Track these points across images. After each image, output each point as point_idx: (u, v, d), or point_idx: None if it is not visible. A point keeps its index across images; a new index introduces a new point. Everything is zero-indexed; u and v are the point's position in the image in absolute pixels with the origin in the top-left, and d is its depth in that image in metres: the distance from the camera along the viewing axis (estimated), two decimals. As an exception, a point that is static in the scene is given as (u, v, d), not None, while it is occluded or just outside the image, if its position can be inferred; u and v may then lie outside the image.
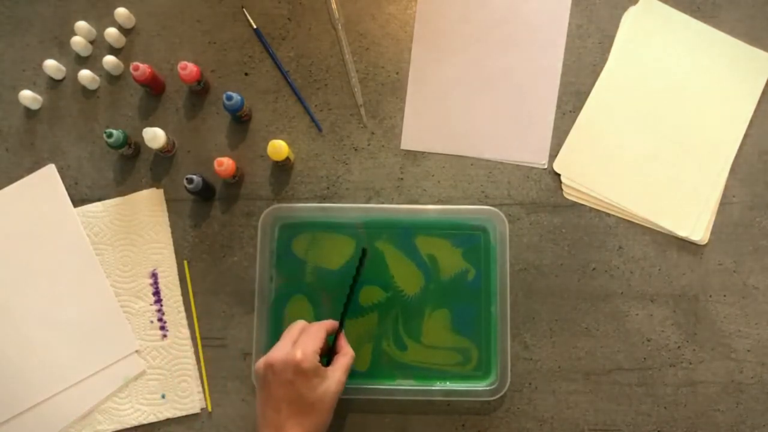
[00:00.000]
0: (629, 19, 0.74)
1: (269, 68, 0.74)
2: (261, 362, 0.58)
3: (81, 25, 0.74)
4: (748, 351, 0.68)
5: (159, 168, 0.73)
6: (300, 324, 0.62)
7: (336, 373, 0.59)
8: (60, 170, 0.73)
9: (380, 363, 0.68)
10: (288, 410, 0.56)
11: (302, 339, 0.58)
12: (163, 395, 0.68)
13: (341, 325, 0.64)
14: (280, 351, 0.57)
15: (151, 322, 0.70)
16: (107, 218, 0.72)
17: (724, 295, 0.69)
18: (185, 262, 0.71)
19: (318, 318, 0.67)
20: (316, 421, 0.56)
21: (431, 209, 0.70)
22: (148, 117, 0.74)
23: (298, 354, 0.56)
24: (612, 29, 0.74)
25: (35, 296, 0.70)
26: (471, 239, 0.70)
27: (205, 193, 0.70)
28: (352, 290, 0.65)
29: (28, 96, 0.72)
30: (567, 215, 0.71)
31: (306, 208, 0.70)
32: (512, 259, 0.70)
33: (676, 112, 0.72)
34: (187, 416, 0.68)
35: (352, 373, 0.67)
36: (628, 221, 0.71)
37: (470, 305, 0.68)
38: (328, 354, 0.62)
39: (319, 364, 0.57)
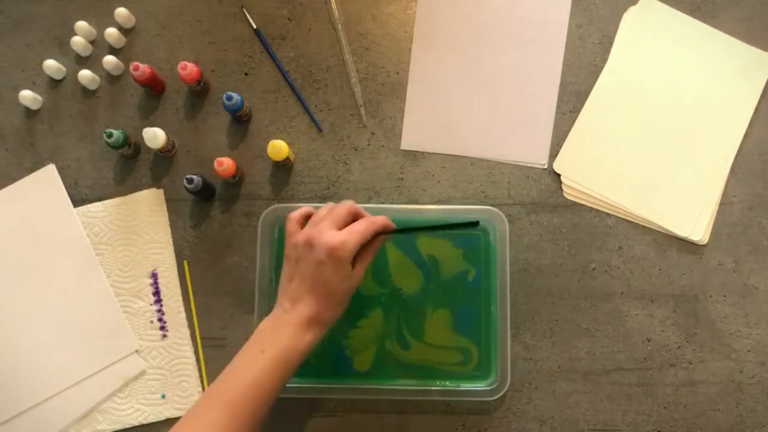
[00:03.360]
0: (629, 19, 0.74)
1: (269, 68, 0.74)
2: (301, 237, 0.58)
3: (81, 25, 0.74)
4: (748, 351, 0.68)
5: (159, 168, 0.73)
6: (348, 207, 0.60)
7: (359, 268, 0.58)
8: (60, 170, 0.73)
9: (383, 363, 0.68)
10: (310, 286, 0.56)
11: (348, 230, 0.57)
12: (163, 395, 0.68)
13: (392, 232, 0.61)
14: (322, 233, 0.56)
15: (151, 322, 0.70)
16: (107, 218, 0.72)
17: (724, 295, 0.69)
18: (185, 262, 0.71)
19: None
20: (329, 306, 0.57)
21: (431, 209, 0.70)
22: (148, 117, 0.74)
23: (338, 241, 0.56)
24: (612, 29, 0.74)
25: (35, 296, 0.70)
26: (471, 239, 0.70)
27: (205, 193, 0.70)
28: (431, 228, 0.64)
29: (28, 96, 0.72)
30: (567, 215, 0.71)
31: (306, 208, 0.70)
32: (512, 259, 0.70)
33: (676, 113, 0.72)
34: (187, 416, 0.68)
35: (353, 374, 0.67)
36: (628, 221, 0.71)
37: (470, 305, 0.68)
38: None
39: (352, 257, 0.57)
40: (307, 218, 0.62)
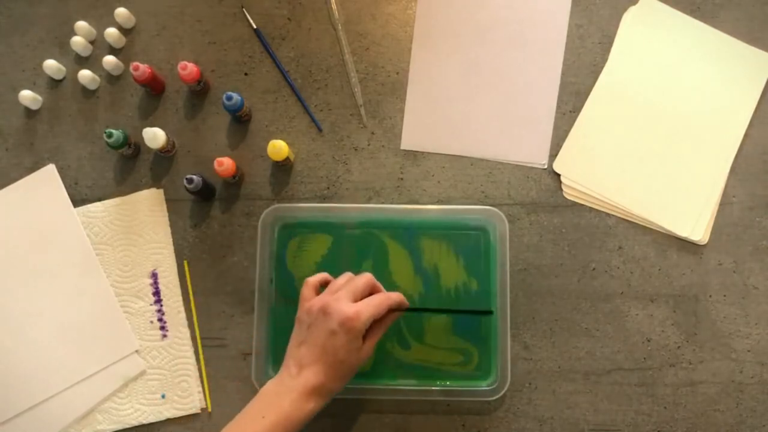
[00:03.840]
0: (629, 19, 0.74)
1: (269, 68, 0.74)
2: (317, 303, 0.58)
3: (81, 25, 0.74)
4: (748, 351, 0.68)
5: (159, 168, 0.73)
6: (367, 280, 0.60)
7: (368, 343, 0.59)
8: (60, 170, 0.73)
9: (383, 363, 0.68)
10: (319, 354, 0.57)
11: (365, 303, 0.58)
12: (163, 395, 0.68)
13: (405, 310, 0.62)
14: (338, 302, 0.57)
15: (151, 322, 0.70)
16: (107, 218, 0.72)
17: (724, 295, 0.69)
18: (185, 262, 0.71)
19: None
20: (335, 377, 0.57)
21: (431, 209, 0.70)
22: (148, 117, 0.74)
23: (352, 312, 0.56)
24: (612, 29, 0.74)
25: (35, 296, 0.70)
26: (472, 246, 0.69)
27: (205, 193, 0.70)
28: (445, 311, 0.67)
29: (28, 96, 0.72)
30: (567, 215, 0.71)
31: (306, 208, 0.70)
32: (512, 259, 0.70)
33: (676, 112, 0.72)
34: (187, 416, 0.68)
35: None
36: (628, 221, 0.71)
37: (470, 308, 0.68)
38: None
39: (364, 330, 0.57)
40: (323, 284, 0.63)
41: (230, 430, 0.56)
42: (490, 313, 0.67)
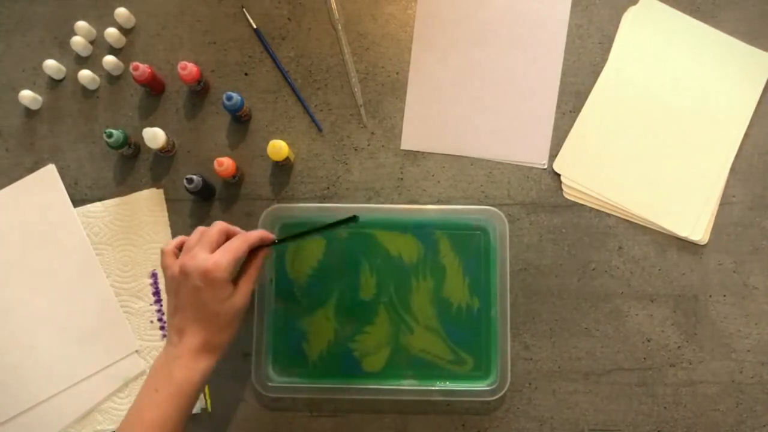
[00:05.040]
0: (629, 19, 0.74)
1: (269, 68, 0.74)
2: (176, 267, 0.57)
3: (81, 25, 0.74)
4: (748, 351, 0.68)
5: (159, 168, 0.73)
6: (220, 227, 0.59)
7: (243, 287, 0.58)
8: (60, 170, 0.73)
9: (396, 361, 0.68)
10: (192, 315, 0.56)
11: (221, 250, 0.57)
12: (163, 395, 0.68)
13: (271, 244, 0.61)
14: (194, 259, 0.56)
15: (151, 322, 0.70)
16: (107, 218, 0.72)
17: (724, 295, 0.69)
18: (185, 262, 0.71)
19: (311, 321, 0.68)
20: (216, 330, 0.57)
21: (431, 209, 0.70)
22: (148, 117, 0.74)
23: (210, 263, 0.55)
24: (612, 29, 0.74)
25: (35, 296, 0.70)
26: (471, 240, 0.69)
27: (205, 193, 0.70)
28: (310, 232, 0.62)
29: (28, 96, 0.72)
30: (567, 215, 0.71)
31: (306, 208, 0.70)
32: (512, 259, 0.70)
33: (676, 112, 0.72)
34: (187, 416, 0.68)
35: (361, 374, 0.67)
36: (628, 221, 0.71)
37: (469, 322, 0.68)
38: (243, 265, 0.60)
39: (229, 277, 0.56)
40: (181, 247, 0.61)
41: (132, 409, 0.56)
42: (355, 218, 0.61)
